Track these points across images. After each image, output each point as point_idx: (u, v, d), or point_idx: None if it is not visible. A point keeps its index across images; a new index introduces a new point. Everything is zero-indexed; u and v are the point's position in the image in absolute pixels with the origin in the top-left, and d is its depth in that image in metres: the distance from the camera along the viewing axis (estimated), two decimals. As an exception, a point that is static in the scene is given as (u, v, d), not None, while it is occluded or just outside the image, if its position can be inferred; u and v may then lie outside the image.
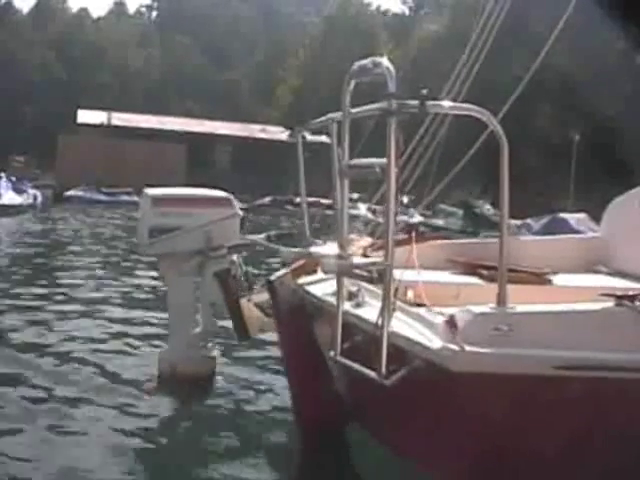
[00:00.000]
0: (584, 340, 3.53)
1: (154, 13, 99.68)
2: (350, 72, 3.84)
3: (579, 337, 3.53)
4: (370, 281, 3.90)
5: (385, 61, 3.57)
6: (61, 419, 5.76)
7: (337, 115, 4.18)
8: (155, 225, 6.32)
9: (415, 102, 3.47)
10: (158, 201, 6.41)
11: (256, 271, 6.81)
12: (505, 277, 3.63)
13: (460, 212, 28.59)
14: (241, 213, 6.59)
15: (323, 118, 4.55)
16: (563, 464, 3.73)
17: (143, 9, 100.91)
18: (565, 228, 16.89)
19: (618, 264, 5.83)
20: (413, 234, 4.77)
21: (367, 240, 5.12)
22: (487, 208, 27.25)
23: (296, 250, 5.11)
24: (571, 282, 5.29)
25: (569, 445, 3.70)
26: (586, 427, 3.66)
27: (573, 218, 18.45)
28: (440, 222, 26.91)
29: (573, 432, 3.67)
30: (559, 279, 5.32)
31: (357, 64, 3.80)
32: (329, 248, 4.54)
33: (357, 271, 3.81)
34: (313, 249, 4.88)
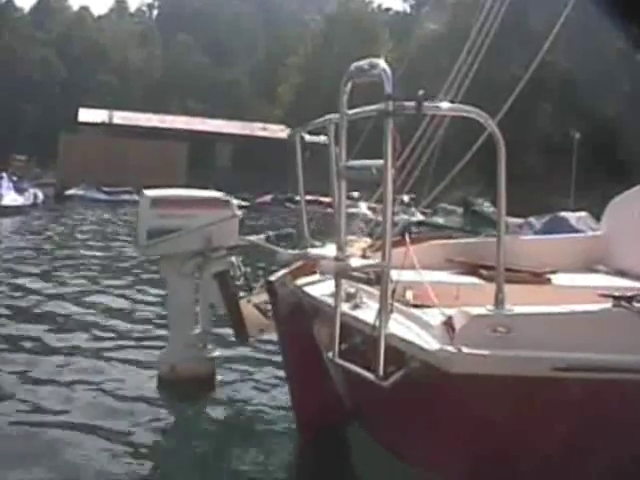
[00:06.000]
0: (582, 341, 3.53)
1: (155, 11, 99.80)
2: (347, 73, 3.84)
3: (577, 338, 3.53)
4: (368, 282, 3.90)
5: (382, 62, 3.57)
6: (60, 420, 5.76)
7: (335, 116, 4.18)
8: (154, 226, 6.30)
9: (412, 103, 3.47)
10: (157, 202, 6.40)
11: (254, 272, 6.82)
12: (502, 278, 3.63)
13: (460, 210, 28.61)
14: (240, 214, 6.57)
15: (321, 120, 4.55)
16: (562, 465, 3.72)
17: (144, 7, 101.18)
18: (566, 227, 16.91)
19: (618, 263, 5.82)
20: (407, 236, 4.76)
21: (366, 241, 5.12)
22: (487, 206, 27.25)
23: (294, 252, 5.10)
24: (571, 282, 5.28)
25: (568, 446, 3.70)
26: (585, 428, 3.66)
27: (574, 217, 18.47)
28: (440, 220, 26.95)
29: (572, 433, 3.67)
30: (559, 278, 5.32)
31: (354, 65, 3.80)
32: (328, 249, 4.54)
33: (355, 273, 3.81)
34: (311, 251, 4.88)
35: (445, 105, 4.07)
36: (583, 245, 6.35)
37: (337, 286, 3.95)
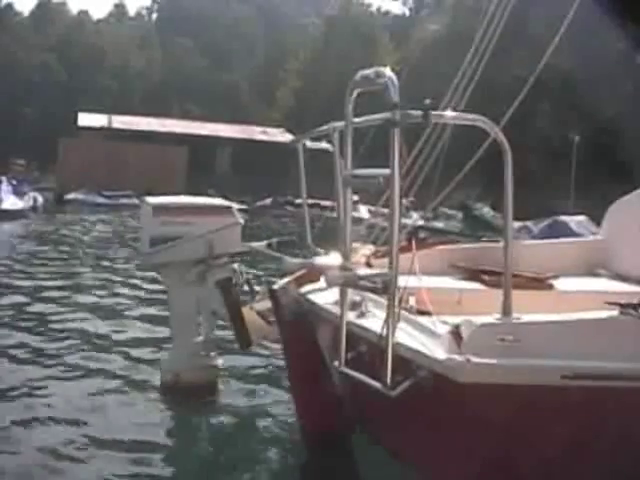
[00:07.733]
0: (589, 349, 3.52)
1: (154, 15, 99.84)
2: (353, 81, 3.82)
3: (584, 346, 3.52)
4: (374, 291, 3.87)
5: (388, 71, 3.55)
6: (62, 426, 5.75)
7: (340, 124, 4.15)
8: (156, 234, 6.28)
9: (418, 112, 3.45)
10: (159, 210, 6.38)
11: (257, 278, 6.79)
12: (510, 286, 3.61)
13: (459, 215, 28.66)
14: (242, 221, 6.55)
15: (325, 127, 4.52)
16: (571, 473, 3.71)
17: (143, 11, 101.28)
18: (565, 231, 16.91)
19: (619, 267, 5.83)
20: (413, 241, 4.74)
21: (370, 248, 5.10)
22: (486, 210, 27.31)
23: (299, 261, 5.07)
24: (573, 286, 5.29)
25: (577, 454, 3.68)
26: (594, 436, 3.64)
27: (573, 220, 18.49)
28: (440, 225, 26.99)
29: (582, 442, 3.65)
30: (561, 283, 5.32)
31: (360, 74, 3.78)
32: (332, 258, 4.51)
33: (361, 282, 3.78)
34: (316, 260, 4.85)
35: (451, 114, 4.06)
36: (584, 249, 6.35)
37: (343, 295, 3.92)
